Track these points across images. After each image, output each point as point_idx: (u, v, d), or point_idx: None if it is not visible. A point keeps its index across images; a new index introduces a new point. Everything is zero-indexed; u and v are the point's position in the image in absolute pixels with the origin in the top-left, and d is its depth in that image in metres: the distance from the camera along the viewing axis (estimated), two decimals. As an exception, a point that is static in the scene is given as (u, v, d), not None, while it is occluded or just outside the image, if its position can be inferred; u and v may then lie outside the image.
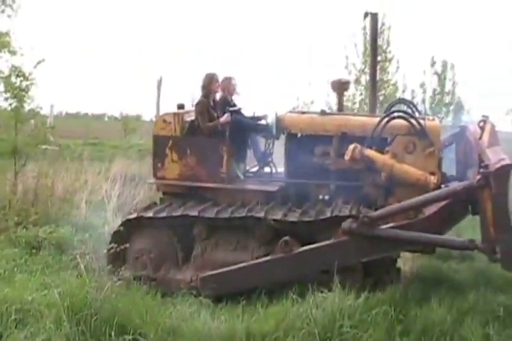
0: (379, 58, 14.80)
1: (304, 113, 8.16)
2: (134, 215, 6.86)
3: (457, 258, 8.03)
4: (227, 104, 7.89)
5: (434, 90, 18.00)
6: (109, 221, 8.89)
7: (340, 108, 8.19)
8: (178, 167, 7.23)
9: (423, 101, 17.41)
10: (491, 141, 6.23)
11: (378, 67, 14.71)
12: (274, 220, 6.43)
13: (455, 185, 6.20)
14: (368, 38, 14.68)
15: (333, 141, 7.16)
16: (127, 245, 6.47)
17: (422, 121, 7.01)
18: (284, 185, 7.26)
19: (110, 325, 4.76)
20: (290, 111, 8.26)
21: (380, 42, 15.14)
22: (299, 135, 7.45)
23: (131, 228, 6.92)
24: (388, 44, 15.98)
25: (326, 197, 7.24)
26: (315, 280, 6.04)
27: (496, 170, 5.46)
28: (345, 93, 8.32)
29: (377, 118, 7.18)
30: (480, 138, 6.56)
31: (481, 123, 6.75)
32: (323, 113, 7.70)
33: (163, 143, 7.28)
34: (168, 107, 8.37)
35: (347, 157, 6.73)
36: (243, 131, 7.66)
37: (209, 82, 7.50)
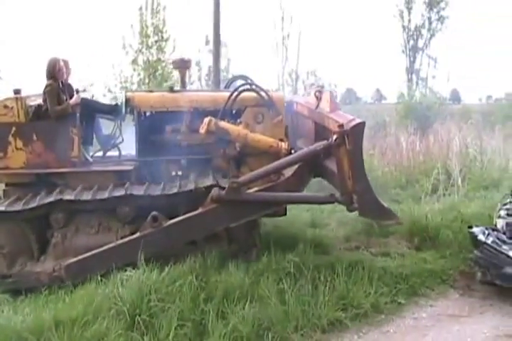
0: (155, 38, 14.71)
1: (151, 91, 8.05)
2: None
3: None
4: (69, 87, 7.53)
5: (210, 67, 18.32)
6: None
7: (183, 85, 8.11)
8: (23, 154, 6.79)
9: (199, 78, 17.71)
10: (332, 107, 6.70)
11: (155, 47, 14.67)
12: (135, 196, 6.42)
13: (315, 145, 6.47)
14: (145, 18, 14.55)
15: (185, 117, 7.17)
16: None
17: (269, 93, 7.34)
18: (138, 164, 7.11)
19: None
20: (137, 91, 7.95)
21: (155, 21, 15.02)
22: (148, 113, 7.28)
23: None
24: (164, 24, 15.79)
25: (180, 173, 7.18)
26: (182, 252, 6.30)
27: (352, 128, 5.97)
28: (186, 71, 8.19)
29: (225, 93, 7.38)
30: (317, 107, 7.07)
31: (317, 93, 7.12)
32: (171, 90, 7.62)
33: (5, 130, 6.75)
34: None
35: (202, 130, 6.84)
36: (91, 113, 7.45)
37: (55, 66, 7.09)
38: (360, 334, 5.46)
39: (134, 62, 15.36)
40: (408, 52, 38.89)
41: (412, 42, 38.62)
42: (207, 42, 18.74)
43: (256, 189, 6.60)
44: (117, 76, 15.41)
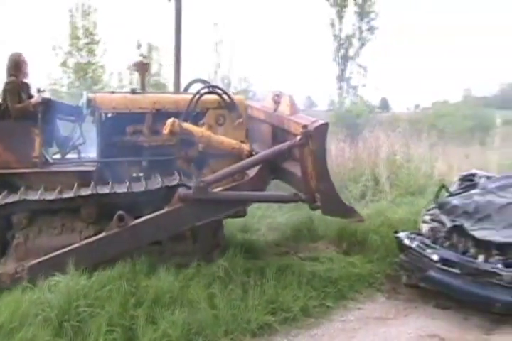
0: (86, 41, 14.44)
1: (113, 92, 7.93)
2: None
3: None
4: (27, 86, 7.37)
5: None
6: None
7: (143, 88, 8.05)
8: None
9: (130, 82, 17.39)
10: (292, 111, 6.93)
11: (86, 49, 14.40)
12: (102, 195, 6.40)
13: (279, 145, 6.63)
14: (76, 20, 14.27)
15: (147, 118, 7.17)
16: None
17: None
18: (99, 165, 7.00)
19: None
20: (98, 92, 7.82)
21: (86, 24, 14.74)
22: (110, 114, 7.22)
23: None
24: (95, 26, 15.48)
25: (141, 174, 7.14)
26: (146, 251, 6.40)
27: (315, 128, 6.18)
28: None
29: (186, 96, 7.43)
30: (275, 110, 7.29)
31: (275, 98, 7.36)
32: (133, 92, 7.56)
33: None
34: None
35: (166, 131, 6.76)
36: (52, 113, 7.26)
37: (18, 62, 7.02)
38: (290, 337, 5.52)
39: (64, 64, 15.09)
40: (339, 60, 39.53)
41: (342, 51, 39.30)
42: (138, 46, 18.53)
43: (221, 188, 6.70)
44: (46, 78, 15.11)
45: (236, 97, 7.62)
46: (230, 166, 6.68)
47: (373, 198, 10.86)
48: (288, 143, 6.46)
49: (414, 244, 6.53)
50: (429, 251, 6.34)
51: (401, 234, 6.83)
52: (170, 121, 6.77)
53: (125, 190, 6.48)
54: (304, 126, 6.23)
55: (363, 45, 39.75)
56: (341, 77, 39.58)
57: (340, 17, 39.54)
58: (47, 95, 7.43)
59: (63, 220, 6.57)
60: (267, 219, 9.45)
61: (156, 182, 6.69)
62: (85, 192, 6.42)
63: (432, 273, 6.17)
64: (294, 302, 5.88)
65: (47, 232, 6.49)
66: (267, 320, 5.56)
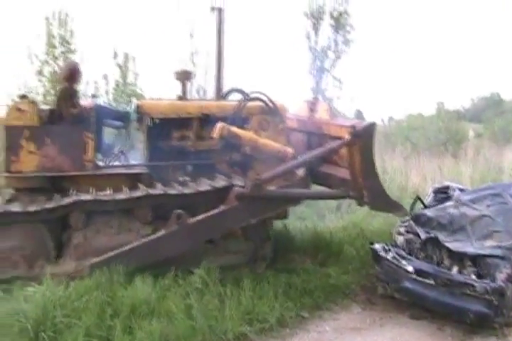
0: (62, 49, 14.35)
1: (159, 99, 8.21)
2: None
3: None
4: (77, 92, 7.53)
5: (117, 81, 17.98)
6: None
7: (184, 95, 8.19)
8: (36, 158, 6.67)
9: (106, 92, 17.26)
10: (331, 115, 7.38)
11: (62, 58, 14.29)
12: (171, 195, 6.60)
13: (330, 144, 6.86)
14: (52, 28, 14.17)
15: (194, 123, 7.48)
16: None
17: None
18: (149, 169, 7.23)
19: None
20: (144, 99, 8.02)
21: (63, 32, 14.64)
22: (157, 120, 7.43)
23: None
24: (72, 35, 15.35)
25: (186, 178, 7.33)
26: (201, 250, 6.68)
27: (364, 128, 6.48)
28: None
29: (230, 102, 7.84)
30: (311, 118, 7.68)
31: (311, 105, 7.74)
32: (180, 98, 7.95)
33: (18, 133, 6.61)
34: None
35: (215, 134, 6.98)
36: (102, 118, 7.45)
37: (74, 70, 7.27)
38: (266, 347, 5.54)
39: (40, 72, 14.95)
40: (314, 72, 39.80)
41: (318, 63, 39.58)
42: (115, 56, 18.45)
43: (273, 187, 6.92)
44: (21, 86, 14.95)
45: (278, 104, 7.90)
46: (283, 165, 6.94)
47: (349, 210, 10.94)
48: (338, 142, 6.66)
49: (389, 256, 6.60)
50: (404, 262, 6.41)
51: (376, 246, 6.89)
52: (219, 125, 7.00)
53: (192, 191, 6.72)
54: (353, 127, 6.50)
55: (338, 57, 40.15)
56: (316, 89, 39.85)
57: (316, 29, 39.91)
58: (98, 101, 7.55)
59: (119, 220, 6.68)
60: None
61: (206, 185, 6.93)
62: (154, 191, 6.62)
63: (407, 284, 6.25)
64: (270, 313, 5.90)
65: (105, 232, 6.61)
66: (243, 331, 5.57)
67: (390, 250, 6.73)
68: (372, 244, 7.05)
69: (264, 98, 7.72)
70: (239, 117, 7.51)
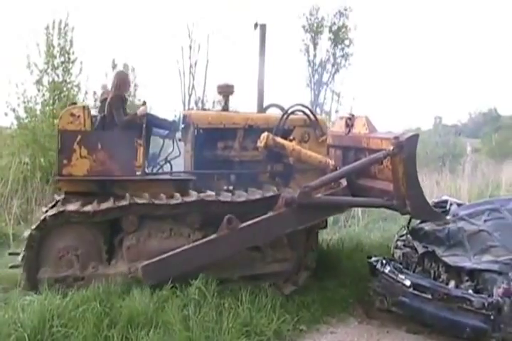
0: (62, 59, 14.39)
1: (205, 109, 8.53)
2: (54, 211, 6.38)
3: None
4: (126, 100, 7.88)
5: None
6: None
7: (227, 108, 8.38)
8: (87, 162, 6.77)
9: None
10: (370, 129, 7.55)
11: (62, 68, 14.32)
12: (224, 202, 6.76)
13: (375, 155, 6.88)
14: (52, 38, 14.23)
15: (238, 134, 7.68)
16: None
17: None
18: (196, 176, 7.36)
19: None
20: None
21: (62, 43, 14.69)
22: (203, 130, 7.69)
23: (49, 227, 6.45)
24: (72, 45, 15.39)
25: (231, 187, 7.58)
26: (247, 257, 6.92)
27: (407, 139, 6.53)
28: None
29: (273, 114, 8.16)
30: (348, 133, 7.95)
31: (348, 121, 7.99)
32: (224, 110, 8.24)
33: (71, 138, 6.71)
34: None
35: (261, 144, 7.18)
36: (151, 126, 7.62)
37: (125, 79, 7.60)
38: (263, 360, 5.53)
39: (39, 82, 14.94)
40: (313, 86, 39.89)
41: (316, 76, 39.70)
42: (114, 66, 18.55)
43: (320, 194, 7.03)
44: (20, 95, 14.95)
45: (320, 117, 8.18)
46: (329, 174, 7.08)
47: (346, 223, 10.96)
48: (383, 152, 6.71)
49: (386, 269, 6.61)
50: (401, 276, 6.42)
51: (374, 259, 6.91)
52: (265, 134, 7.19)
53: (257, 198, 6.92)
54: (396, 138, 6.58)
55: (336, 71, 40.27)
56: (315, 103, 39.95)
57: (315, 43, 40.08)
58: (148, 109, 7.69)
59: (170, 225, 6.84)
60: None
61: (257, 193, 7.07)
62: (208, 197, 6.77)
63: (404, 298, 6.25)
64: (267, 326, 5.90)
65: (156, 236, 6.76)
66: (240, 343, 5.56)
67: (387, 264, 6.73)
68: (369, 257, 7.06)
69: (307, 111, 7.90)
70: (282, 128, 7.71)
